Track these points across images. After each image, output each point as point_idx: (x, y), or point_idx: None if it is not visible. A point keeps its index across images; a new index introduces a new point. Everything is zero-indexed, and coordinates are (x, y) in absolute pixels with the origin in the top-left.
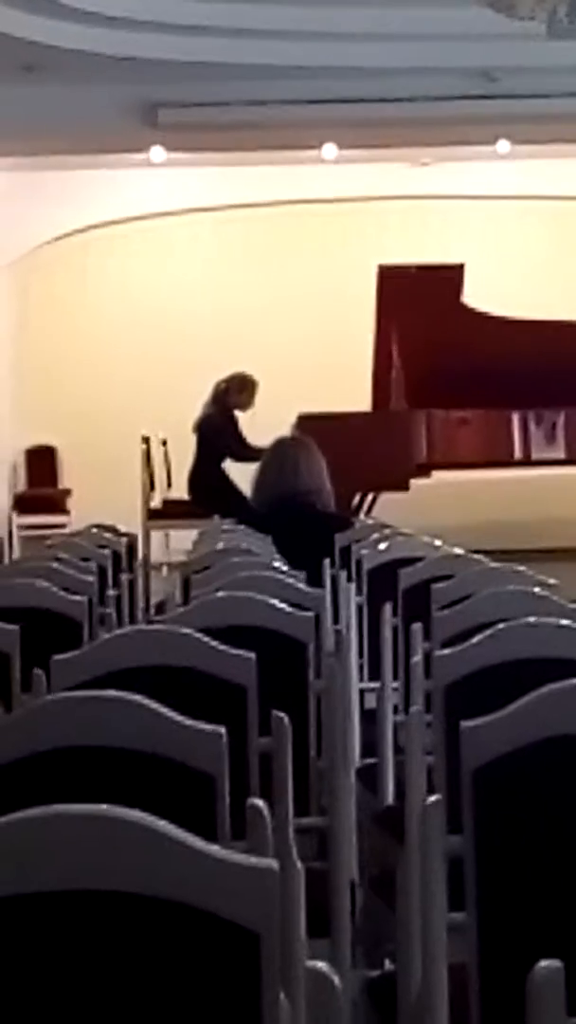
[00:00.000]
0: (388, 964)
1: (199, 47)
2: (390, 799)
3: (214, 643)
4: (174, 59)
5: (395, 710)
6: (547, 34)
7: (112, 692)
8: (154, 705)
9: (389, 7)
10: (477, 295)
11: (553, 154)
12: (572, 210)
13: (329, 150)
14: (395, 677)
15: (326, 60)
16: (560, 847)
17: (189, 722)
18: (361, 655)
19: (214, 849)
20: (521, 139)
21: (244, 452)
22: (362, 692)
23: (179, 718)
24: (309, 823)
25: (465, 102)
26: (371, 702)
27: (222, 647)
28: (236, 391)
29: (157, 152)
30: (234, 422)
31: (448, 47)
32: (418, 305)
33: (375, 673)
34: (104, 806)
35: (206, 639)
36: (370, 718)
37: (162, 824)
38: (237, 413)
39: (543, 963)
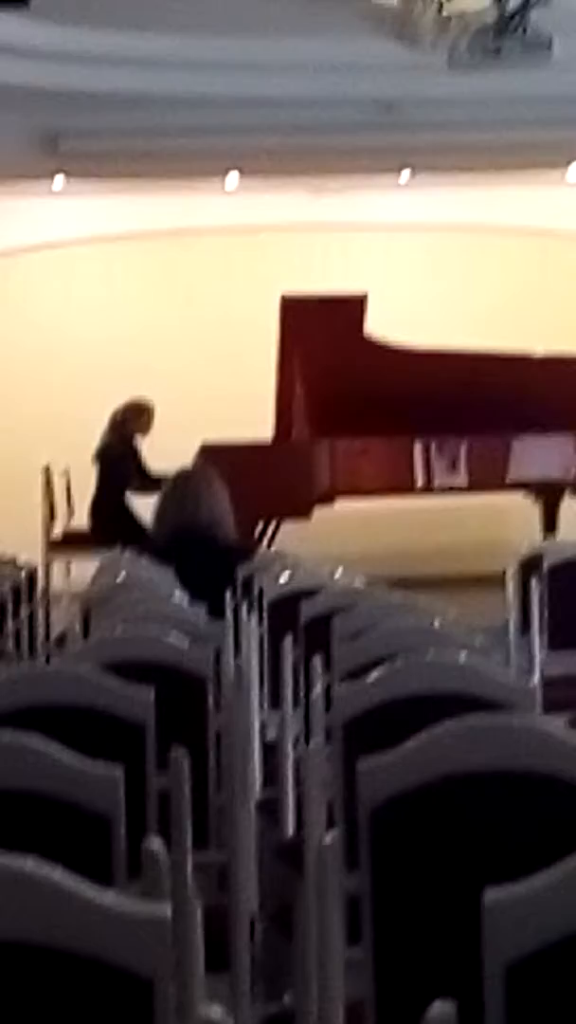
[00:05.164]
0: (288, 998)
1: (100, 77)
2: (291, 831)
3: (111, 681)
4: (75, 88)
5: (296, 742)
6: (448, 66)
7: (6, 734)
8: (48, 747)
9: (292, 38)
10: (379, 324)
11: (454, 183)
12: (473, 239)
13: (231, 179)
14: (296, 708)
15: (229, 90)
16: (456, 885)
17: (84, 764)
18: (263, 685)
19: (106, 898)
20: (422, 169)
21: (144, 481)
22: (263, 723)
23: (74, 760)
24: (208, 858)
25: (367, 132)
26: (272, 734)
27: (119, 685)
28: (134, 417)
29: (58, 181)
30: (134, 449)
31: (350, 78)
32: (320, 335)
33: (276, 704)
34: None
35: (105, 678)
36: (272, 749)
37: (53, 873)
38: (138, 441)
39: (437, 1004)
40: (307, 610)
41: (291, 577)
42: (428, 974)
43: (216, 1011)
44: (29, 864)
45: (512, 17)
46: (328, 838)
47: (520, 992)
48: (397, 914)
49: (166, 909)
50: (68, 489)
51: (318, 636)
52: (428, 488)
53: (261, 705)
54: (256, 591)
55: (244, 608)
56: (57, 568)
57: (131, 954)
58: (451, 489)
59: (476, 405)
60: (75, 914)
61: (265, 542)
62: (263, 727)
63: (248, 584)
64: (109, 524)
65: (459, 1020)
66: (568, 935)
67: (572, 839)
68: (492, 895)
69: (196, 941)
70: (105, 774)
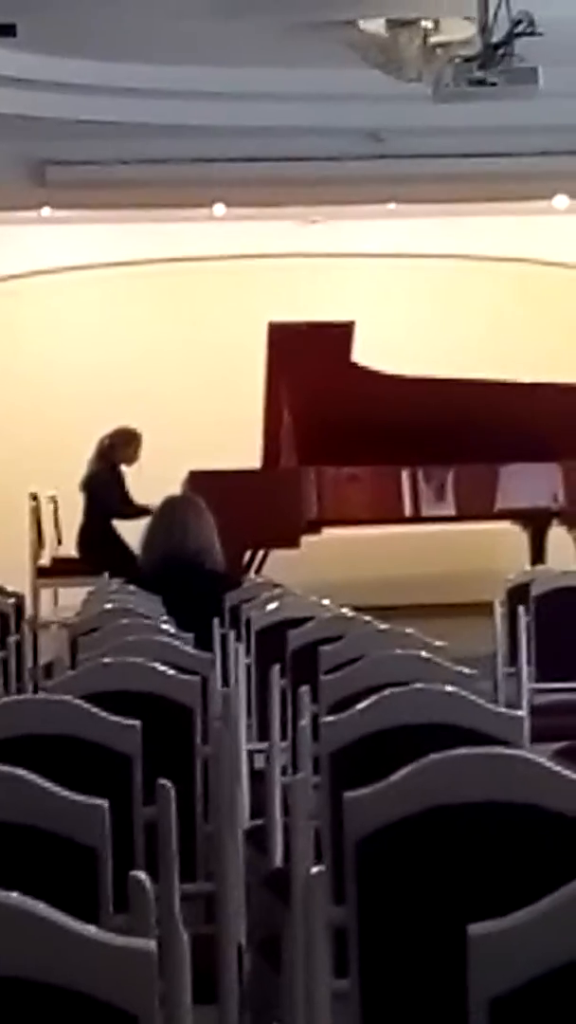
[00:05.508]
0: None
1: (88, 105)
2: (279, 861)
3: (98, 712)
4: (63, 117)
5: (284, 771)
6: (433, 97)
7: None
8: (34, 778)
9: (279, 67)
10: (367, 352)
11: (441, 213)
12: (460, 267)
13: (219, 208)
14: (284, 738)
15: (216, 119)
16: (442, 918)
17: (70, 795)
18: (250, 715)
19: (90, 931)
20: (409, 198)
21: (129, 509)
22: (251, 753)
23: (60, 791)
24: (196, 889)
25: (354, 162)
26: (260, 762)
27: (107, 716)
28: (121, 446)
29: (46, 210)
30: (120, 477)
31: (337, 107)
32: (308, 362)
33: (264, 734)
34: None
35: (92, 708)
36: (260, 779)
37: (37, 906)
38: (123, 468)
39: None
40: (295, 639)
41: (279, 606)
42: (414, 1007)
43: None
44: (13, 897)
45: (497, 47)
46: (314, 870)
47: None
48: (383, 946)
49: (152, 943)
50: (56, 516)
51: (306, 665)
52: (416, 516)
53: (249, 735)
54: (244, 620)
55: (232, 637)
56: (45, 596)
57: (117, 988)
58: (439, 518)
59: (463, 433)
60: (60, 947)
61: (253, 570)
62: (251, 757)
63: (236, 613)
64: (97, 552)
65: None
66: (553, 969)
67: (559, 871)
68: (477, 928)
69: (184, 973)
70: (91, 804)
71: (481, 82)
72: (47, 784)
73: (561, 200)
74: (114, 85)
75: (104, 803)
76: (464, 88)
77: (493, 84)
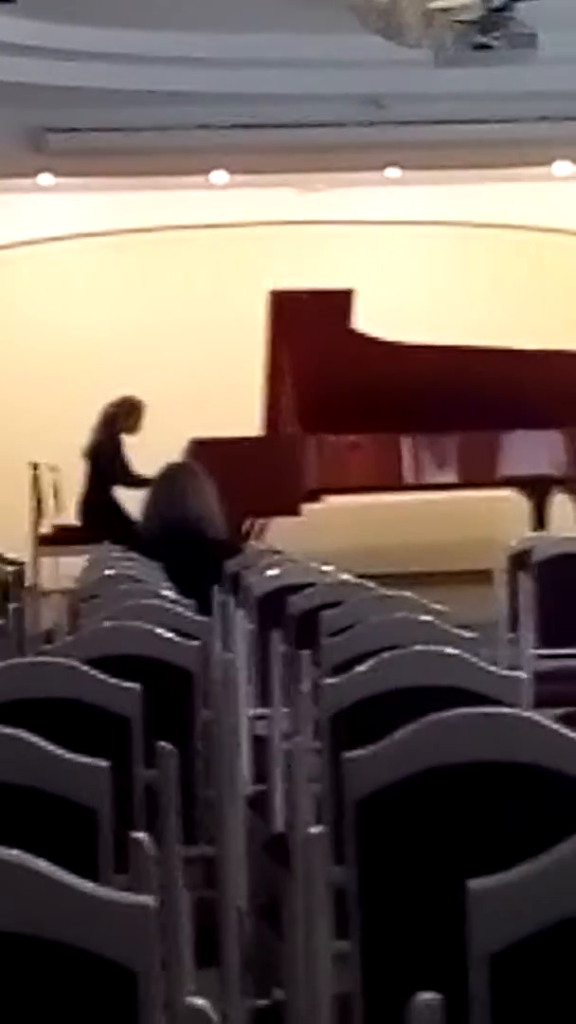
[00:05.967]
0: (277, 992)
1: (88, 73)
2: (280, 826)
3: (98, 674)
4: (63, 84)
5: (285, 737)
6: (435, 62)
7: None
8: (34, 739)
9: (279, 33)
10: (367, 320)
11: (441, 180)
12: (461, 235)
13: (219, 176)
14: (284, 704)
15: (216, 86)
16: (442, 877)
17: (70, 756)
18: (251, 682)
19: (88, 886)
20: (410, 165)
21: (130, 478)
22: (252, 719)
23: (59, 751)
24: (197, 852)
25: (354, 128)
26: (262, 729)
27: (107, 678)
28: (124, 416)
29: (46, 177)
30: (121, 446)
31: (337, 74)
32: (309, 330)
33: (266, 700)
34: None
35: (91, 671)
36: (261, 745)
37: (35, 861)
38: (124, 437)
39: (422, 995)
40: (295, 605)
41: (279, 572)
42: (416, 966)
43: (200, 1002)
44: (12, 853)
45: (498, 12)
46: (314, 829)
47: (505, 981)
48: (384, 906)
49: (150, 898)
50: (56, 485)
51: (306, 631)
52: (417, 484)
53: (250, 701)
54: (244, 586)
55: (232, 603)
56: (46, 564)
57: (116, 944)
58: (440, 485)
59: (465, 400)
60: (59, 903)
61: (254, 538)
62: (252, 724)
63: (236, 579)
64: (98, 520)
65: (448, 1011)
66: (552, 924)
67: (559, 829)
68: (476, 884)
69: (184, 933)
70: (92, 765)
71: (482, 46)
72: (48, 745)
73: (562, 166)
74: (114, 52)
75: (105, 764)
76: (465, 52)
77: (494, 48)
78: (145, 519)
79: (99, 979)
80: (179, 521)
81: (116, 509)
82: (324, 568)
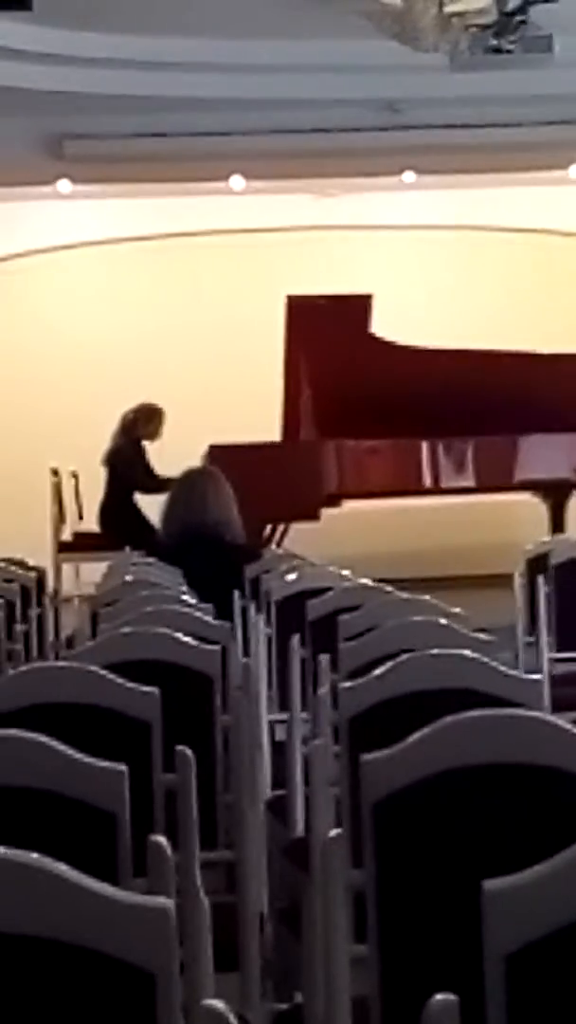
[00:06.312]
0: (298, 996)
1: (105, 79)
2: (300, 831)
3: (118, 679)
4: (80, 91)
5: (304, 742)
6: (450, 66)
7: (12, 731)
8: (54, 743)
9: (295, 39)
10: (385, 325)
11: (457, 184)
12: (477, 239)
13: (236, 182)
14: (304, 708)
15: (233, 92)
16: (459, 880)
17: (89, 760)
18: (271, 686)
19: (107, 889)
20: (426, 169)
21: (152, 483)
22: (272, 723)
23: (79, 756)
24: (217, 857)
25: (370, 133)
26: (281, 734)
27: (126, 683)
28: (144, 422)
29: (64, 184)
30: (142, 453)
31: (353, 79)
32: (327, 335)
33: (285, 704)
34: None
35: (110, 675)
36: (280, 749)
37: (55, 864)
38: (145, 443)
39: (438, 997)
40: (314, 609)
41: (298, 577)
42: (433, 969)
43: (218, 1004)
44: (32, 856)
45: (512, 16)
46: (333, 832)
47: (520, 982)
48: (402, 909)
49: (169, 901)
50: (77, 491)
51: (325, 635)
52: (435, 489)
53: (269, 706)
54: (264, 591)
55: (252, 608)
56: (66, 570)
57: (134, 947)
58: (458, 489)
59: (482, 404)
60: (78, 905)
61: (273, 543)
62: (271, 728)
63: (256, 584)
64: (118, 526)
65: (464, 1013)
66: (568, 924)
67: (575, 831)
68: (491, 885)
69: (204, 937)
70: (111, 769)
71: (497, 50)
72: (68, 750)
73: None
74: (130, 58)
75: (124, 767)
76: (480, 57)
77: (509, 52)
78: (165, 524)
79: (118, 982)
80: (199, 526)
81: (136, 515)
82: (343, 573)
